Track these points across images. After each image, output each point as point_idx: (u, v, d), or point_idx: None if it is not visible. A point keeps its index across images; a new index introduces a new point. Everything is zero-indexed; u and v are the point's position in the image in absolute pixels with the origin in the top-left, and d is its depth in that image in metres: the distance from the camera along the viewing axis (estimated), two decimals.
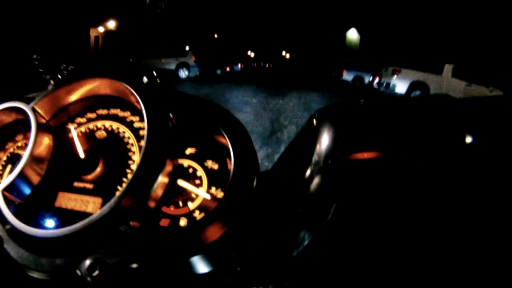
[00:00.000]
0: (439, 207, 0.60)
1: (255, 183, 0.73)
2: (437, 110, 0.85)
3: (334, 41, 38.38)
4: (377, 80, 17.73)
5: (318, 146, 0.77)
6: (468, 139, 0.72)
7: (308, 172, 0.74)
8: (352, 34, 37.79)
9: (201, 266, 0.69)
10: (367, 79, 21.25)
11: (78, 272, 0.66)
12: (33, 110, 0.83)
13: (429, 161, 0.67)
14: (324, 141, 0.77)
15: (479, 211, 0.57)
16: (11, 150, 0.92)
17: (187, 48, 19.74)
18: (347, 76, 23.21)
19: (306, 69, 42.06)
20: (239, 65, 29.98)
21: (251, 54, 61.32)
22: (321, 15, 41.87)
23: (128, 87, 0.80)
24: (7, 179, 0.78)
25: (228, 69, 25.43)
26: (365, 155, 0.70)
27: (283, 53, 58.69)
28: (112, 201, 0.70)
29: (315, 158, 0.75)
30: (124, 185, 0.75)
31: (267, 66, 58.81)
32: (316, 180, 0.72)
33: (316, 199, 0.70)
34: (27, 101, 0.83)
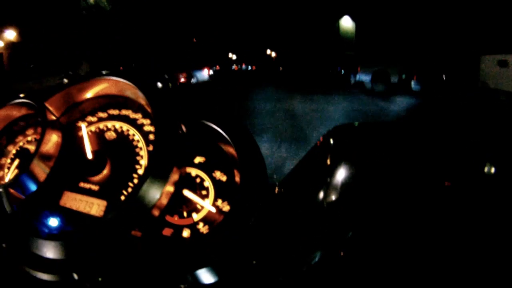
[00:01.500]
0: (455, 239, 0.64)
1: (263, 196, 0.77)
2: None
3: (326, 32, 35.61)
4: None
5: (335, 170, 0.83)
6: (490, 169, 0.76)
7: (323, 193, 0.81)
8: (346, 23, 35.42)
9: (203, 277, 0.72)
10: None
11: (75, 276, 0.71)
12: (44, 106, 0.88)
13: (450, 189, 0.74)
14: (344, 167, 0.83)
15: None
16: (21, 144, 0.98)
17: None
18: (363, 76, 17.33)
19: (297, 67, 39.22)
20: (206, 71, 26.59)
21: (233, 56, 58.80)
22: (308, 4, 38.84)
23: (139, 89, 0.85)
24: (12, 175, 0.87)
25: (183, 79, 20.97)
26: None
27: (268, 51, 56.03)
28: (117, 206, 0.75)
29: (332, 181, 0.81)
30: (129, 190, 0.84)
31: (249, 68, 55.91)
32: (333, 203, 0.78)
33: (331, 221, 0.76)
34: (39, 97, 0.88)
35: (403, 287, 0.59)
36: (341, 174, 0.78)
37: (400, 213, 0.68)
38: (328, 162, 0.82)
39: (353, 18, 35.96)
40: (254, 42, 56.99)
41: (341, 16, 37.22)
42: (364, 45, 28.62)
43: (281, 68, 48.17)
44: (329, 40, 35.59)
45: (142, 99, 0.86)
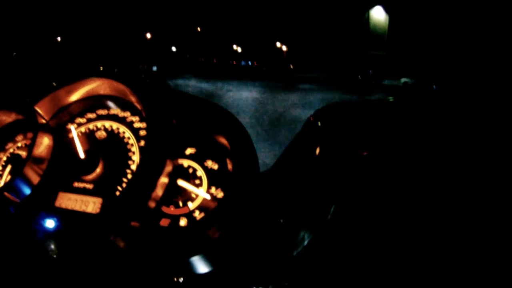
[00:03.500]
0: (435, 208, 0.74)
1: (255, 182, 0.88)
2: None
3: (352, 25, 31.31)
4: None
5: (319, 145, 0.93)
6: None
7: (308, 171, 0.92)
8: (378, 14, 31.00)
9: (201, 266, 0.83)
10: None
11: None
12: (33, 110, 0.98)
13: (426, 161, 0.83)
14: (326, 140, 0.94)
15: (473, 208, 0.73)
16: (11, 150, 1.08)
17: None
18: None
19: (313, 67, 35.09)
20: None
21: (238, 48, 55.06)
22: None
23: (128, 87, 0.96)
24: (7, 179, 0.96)
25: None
26: (365, 153, 0.86)
27: (278, 44, 52.05)
28: (113, 201, 0.89)
29: (316, 157, 0.91)
30: (124, 185, 0.96)
31: (249, 64, 51.80)
32: (316, 180, 0.88)
33: (316, 198, 0.87)
34: (27, 102, 0.98)
35: (390, 270, 0.67)
36: (325, 143, 0.91)
37: (386, 194, 0.77)
38: (312, 139, 0.94)
39: (387, 10, 31.24)
40: (262, 33, 52.89)
41: (372, 6, 32.30)
42: (398, 44, 24.73)
43: (292, 66, 44.02)
44: (355, 35, 31.17)
45: (131, 97, 0.97)
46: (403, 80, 21.22)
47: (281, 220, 0.91)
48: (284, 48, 52.18)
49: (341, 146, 0.90)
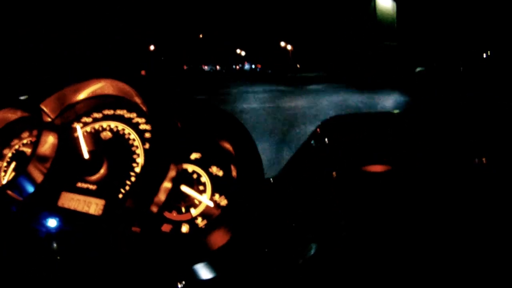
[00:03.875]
0: (445, 221, 0.75)
1: (259, 191, 0.89)
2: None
3: (358, 16, 30.15)
4: None
5: (326, 157, 0.96)
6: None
7: (316, 182, 0.93)
8: (385, 2, 29.32)
9: (203, 272, 0.83)
10: None
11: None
12: (39, 108, 1.00)
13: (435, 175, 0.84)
14: (333, 153, 0.96)
15: (485, 222, 0.73)
16: (16, 147, 1.10)
17: None
18: None
19: (321, 64, 34.08)
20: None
21: (241, 52, 54.43)
22: None
23: (134, 88, 0.97)
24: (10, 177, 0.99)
25: None
26: (377, 168, 0.88)
27: (282, 44, 51.20)
28: (115, 204, 0.90)
29: (323, 169, 0.92)
30: (127, 188, 0.95)
31: (252, 67, 51.09)
32: (324, 192, 0.89)
33: (325, 211, 0.87)
34: (34, 99, 1.00)
35: (397, 281, 0.69)
36: (332, 155, 0.94)
37: (395, 208, 0.79)
38: (319, 150, 0.97)
39: None
40: (265, 33, 52.08)
41: None
42: (409, 33, 23.82)
43: (298, 65, 43.03)
44: (363, 26, 30.02)
45: (137, 98, 0.98)
46: (418, 69, 20.52)
47: (293, 224, 0.93)
48: (289, 47, 51.25)
49: (346, 159, 0.93)
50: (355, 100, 12.42)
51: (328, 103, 12.15)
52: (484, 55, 22.01)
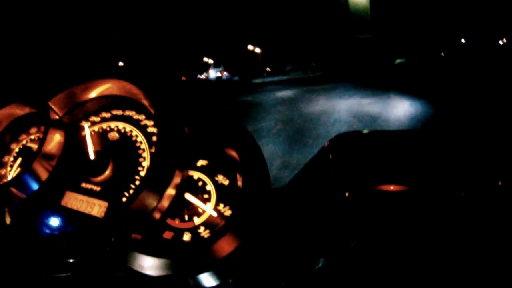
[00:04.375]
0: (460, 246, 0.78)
1: (266, 201, 0.90)
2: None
3: (332, 9, 29.39)
4: None
5: (336, 175, 1.00)
6: None
7: (327, 200, 0.95)
8: None
9: (205, 281, 0.84)
10: None
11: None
12: (47, 106, 1.02)
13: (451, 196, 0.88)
14: (343, 170, 1.00)
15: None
16: (24, 142, 1.14)
17: None
18: None
19: (294, 65, 33.09)
20: None
21: (209, 60, 53.13)
22: None
23: (142, 90, 0.99)
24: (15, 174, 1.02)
25: None
26: (392, 187, 0.91)
27: (250, 47, 49.98)
28: (118, 207, 0.92)
29: (333, 187, 0.96)
30: (131, 191, 0.97)
31: (218, 76, 49.67)
32: (336, 208, 0.92)
33: (336, 227, 0.89)
34: (43, 96, 1.03)
35: None
36: (342, 173, 0.98)
37: (405, 226, 0.82)
38: (331, 170, 1.00)
39: None
40: (232, 38, 50.75)
41: None
42: (384, 24, 23.26)
43: (268, 69, 41.93)
44: (335, 20, 29.20)
45: (145, 101, 1.00)
46: (398, 60, 20.09)
47: (300, 238, 0.96)
48: (257, 50, 49.92)
49: (357, 177, 0.97)
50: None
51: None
52: (463, 41, 22.63)
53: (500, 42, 22.11)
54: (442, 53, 19.68)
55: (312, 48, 33.00)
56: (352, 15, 28.99)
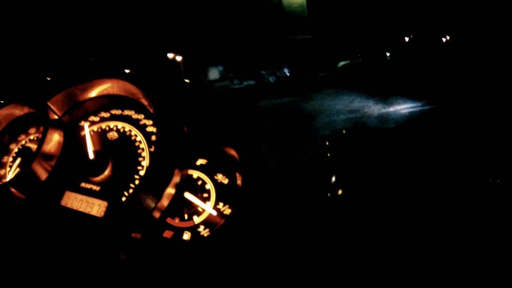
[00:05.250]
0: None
1: (264, 201, 0.97)
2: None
3: (260, 8, 26.93)
4: None
5: (332, 171, 1.04)
6: None
7: (322, 197, 1.00)
8: None
9: None
10: None
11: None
12: (46, 105, 1.05)
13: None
14: (340, 168, 1.05)
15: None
16: (23, 142, 1.18)
17: None
18: None
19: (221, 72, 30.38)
20: None
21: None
22: None
23: (141, 90, 1.02)
24: (14, 174, 1.09)
25: None
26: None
27: (170, 55, 46.41)
28: (118, 206, 0.96)
29: (331, 184, 1.01)
30: (131, 191, 1.00)
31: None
32: (334, 205, 0.98)
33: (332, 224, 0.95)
34: (42, 96, 1.07)
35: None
36: (341, 171, 1.01)
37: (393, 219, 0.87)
38: (328, 167, 1.05)
39: None
40: (150, 47, 46.82)
41: None
42: (324, 23, 21.77)
43: (188, 80, 38.77)
44: (267, 20, 26.92)
45: (144, 100, 1.04)
46: (341, 63, 18.61)
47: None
48: (178, 58, 46.51)
49: (353, 174, 0.98)
50: None
51: None
52: (407, 39, 22.18)
53: (444, 40, 22.69)
54: (387, 53, 18.79)
55: (240, 53, 30.73)
56: (287, 13, 27.19)
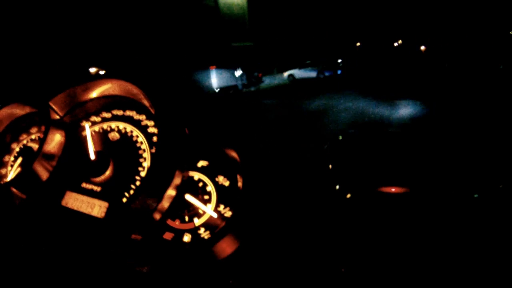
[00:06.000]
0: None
1: (266, 203, 0.99)
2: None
3: (194, 11, 24.64)
4: None
5: (336, 175, 1.09)
6: None
7: (332, 199, 1.03)
8: None
9: None
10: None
11: None
12: (48, 105, 1.06)
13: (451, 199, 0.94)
14: (342, 170, 1.09)
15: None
16: (25, 142, 1.17)
17: None
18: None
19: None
20: None
21: None
22: None
23: (142, 91, 1.04)
24: (15, 173, 1.10)
25: None
26: (393, 189, 0.95)
27: (92, 70, 42.80)
28: (119, 207, 0.97)
29: (338, 187, 1.02)
30: (132, 192, 1.01)
31: None
32: (340, 208, 1.00)
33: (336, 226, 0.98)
34: (44, 96, 1.07)
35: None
36: (349, 173, 1.03)
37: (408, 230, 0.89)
38: (332, 170, 1.07)
39: None
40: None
41: None
42: (267, 29, 20.39)
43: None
44: (203, 26, 24.49)
45: (146, 101, 1.05)
46: (288, 72, 17.11)
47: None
48: (102, 73, 42.55)
49: (358, 178, 0.99)
50: None
51: None
52: (358, 44, 21.97)
53: (395, 44, 23.00)
54: (339, 60, 17.78)
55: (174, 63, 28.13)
56: (225, 19, 24.83)
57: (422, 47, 22.39)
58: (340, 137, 1.26)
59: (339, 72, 19.14)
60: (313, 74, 19.28)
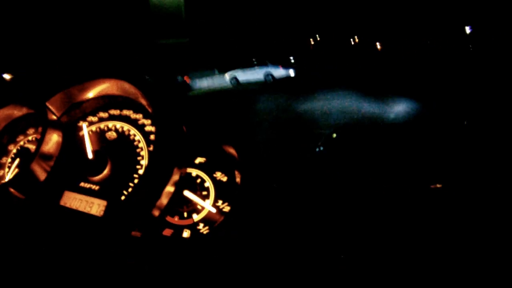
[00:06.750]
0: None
1: (264, 197, 1.00)
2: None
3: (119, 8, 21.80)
4: None
5: (332, 169, 1.09)
6: None
7: (323, 194, 1.04)
8: None
9: None
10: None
11: None
12: (45, 106, 1.05)
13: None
14: (340, 167, 1.09)
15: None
16: (21, 143, 1.15)
17: None
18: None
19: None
20: None
21: None
22: None
23: (139, 90, 1.03)
24: (13, 174, 1.10)
25: None
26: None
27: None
28: (117, 205, 0.97)
29: (331, 184, 1.07)
30: (130, 190, 0.99)
31: None
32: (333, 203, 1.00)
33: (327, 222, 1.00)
34: (40, 97, 1.07)
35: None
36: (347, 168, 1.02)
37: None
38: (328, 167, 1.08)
39: None
40: None
41: None
42: (206, 23, 18.47)
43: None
44: (129, 20, 21.27)
45: (143, 100, 1.05)
46: (230, 73, 14.76)
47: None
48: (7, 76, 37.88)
49: (353, 172, 0.98)
50: None
51: None
52: (312, 41, 20.46)
53: (352, 41, 22.54)
54: (291, 57, 15.96)
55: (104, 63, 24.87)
56: (154, 13, 21.58)
57: (378, 45, 22.03)
58: (334, 135, 1.23)
59: (292, 74, 17.52)
60: (260, 76, 17.28)
